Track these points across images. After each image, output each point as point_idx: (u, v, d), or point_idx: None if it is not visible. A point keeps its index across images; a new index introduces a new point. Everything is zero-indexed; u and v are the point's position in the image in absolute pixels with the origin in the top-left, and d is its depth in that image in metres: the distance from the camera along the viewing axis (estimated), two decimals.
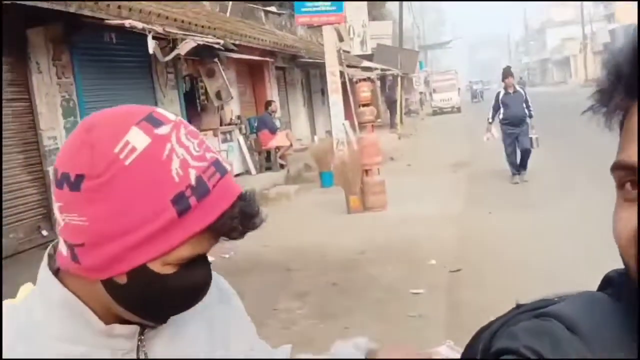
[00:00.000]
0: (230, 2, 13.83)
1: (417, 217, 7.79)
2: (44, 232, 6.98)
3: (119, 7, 7.33)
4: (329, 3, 10.75)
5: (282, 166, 12.21)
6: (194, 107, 11.05)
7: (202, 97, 11.15)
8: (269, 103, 13.10)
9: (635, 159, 0.54)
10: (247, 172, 11.90)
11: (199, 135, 0.76)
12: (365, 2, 26.01)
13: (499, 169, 10.75)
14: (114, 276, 0.73)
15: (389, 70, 24.42)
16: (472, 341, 0.68)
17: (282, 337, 4.22)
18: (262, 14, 16.41)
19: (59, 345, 0.76)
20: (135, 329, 0.80)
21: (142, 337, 0.81)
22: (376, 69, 22.66)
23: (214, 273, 0.84)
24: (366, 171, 8.67)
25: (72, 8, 6.44)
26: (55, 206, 0.75)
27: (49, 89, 7.27)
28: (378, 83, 24.14)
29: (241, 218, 0.73)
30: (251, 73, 14.36)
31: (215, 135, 10.91)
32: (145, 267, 0.72)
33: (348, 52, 20.69)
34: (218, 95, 10.28)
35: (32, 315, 0.77)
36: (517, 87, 10.14)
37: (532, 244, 6.16)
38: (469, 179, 10.82)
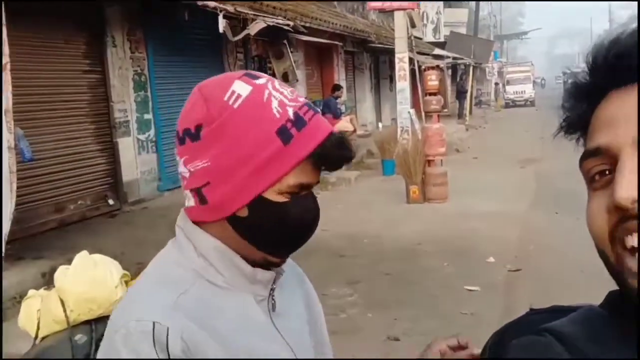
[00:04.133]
0: None
1: (478, 212, 7.56)
2: (110, 201, 7.23)
3: None
4: None
5: None
6: None
7: None
8: (335, 87, 13.01)
9: (600, 142, 0.56)
10: None
11: (289, 87, 0.88)
12: None
13: (570, 169, 10.16)
14: (237, 211, 0.83)
15: (461, 59, 23.77)
16: (487, 343, 0.73)
17: (329, 323, 4.12)
18: None
19: (230, 291, 0.86)
20: (271, 276, 0.89)
21: (274, 287, 0.91)
22: (448, 57, 22.10)
23: (289, 260, 0.95)
24: (429, 161, 8.48)
25: None
26: (180, 163, 0.85)
27: (122, 62, 7.49)
28: (448, 72, 23.56)
29: (337, 147, 0.84)
30: (320, 56, 14.32)
31: None
32: (263, 198, 0.82)
33: (420, 38, 20.24)
34: (285, 76, 10.30)
35: (193, 266, 0.85)
36: None
37: None
38: (538, 176, 10.38)
